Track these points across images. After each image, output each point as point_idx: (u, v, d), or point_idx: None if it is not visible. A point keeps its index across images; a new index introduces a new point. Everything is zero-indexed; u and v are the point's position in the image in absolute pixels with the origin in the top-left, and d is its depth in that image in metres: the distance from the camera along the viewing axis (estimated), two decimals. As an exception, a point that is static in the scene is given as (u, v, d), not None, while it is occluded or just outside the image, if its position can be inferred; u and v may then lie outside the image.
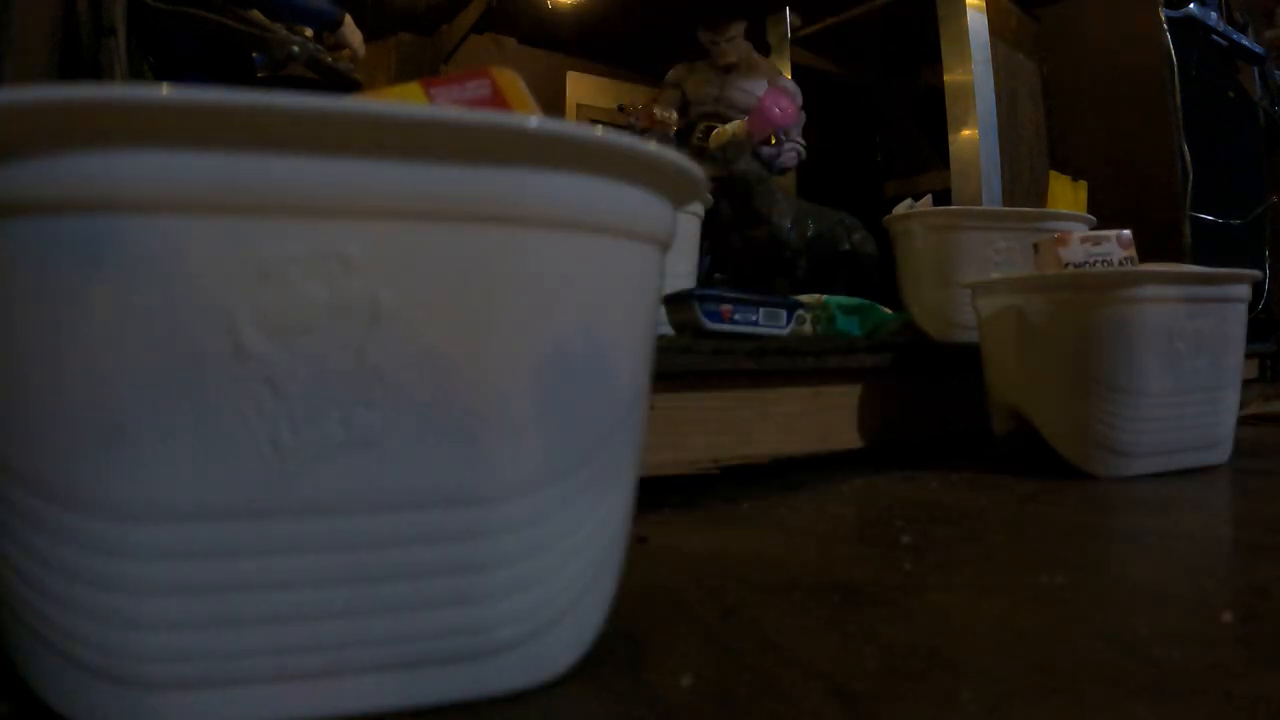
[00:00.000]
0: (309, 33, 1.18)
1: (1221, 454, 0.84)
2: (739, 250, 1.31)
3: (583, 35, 2.26)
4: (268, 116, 0.25)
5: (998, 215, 1.16)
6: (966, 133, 1.61)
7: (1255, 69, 1.96)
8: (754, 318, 0.90)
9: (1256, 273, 0.87)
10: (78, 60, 0.83)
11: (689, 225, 0.97)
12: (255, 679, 0.28)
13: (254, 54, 1.13)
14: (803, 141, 1.55)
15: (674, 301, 0.88)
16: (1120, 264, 0.84)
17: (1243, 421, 1.06)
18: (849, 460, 0.90)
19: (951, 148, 1.64)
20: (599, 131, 0.29)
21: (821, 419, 0.90)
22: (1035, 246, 0.91)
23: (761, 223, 1.23)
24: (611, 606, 0.36)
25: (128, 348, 0.25)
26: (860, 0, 1.90)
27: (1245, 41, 1.84)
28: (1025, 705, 0.30)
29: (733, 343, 0.82)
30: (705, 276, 1.34)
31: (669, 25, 1.75)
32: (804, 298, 1.09)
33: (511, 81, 0.37)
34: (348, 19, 1.26)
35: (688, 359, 0.76)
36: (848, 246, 1.29)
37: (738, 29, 1.63)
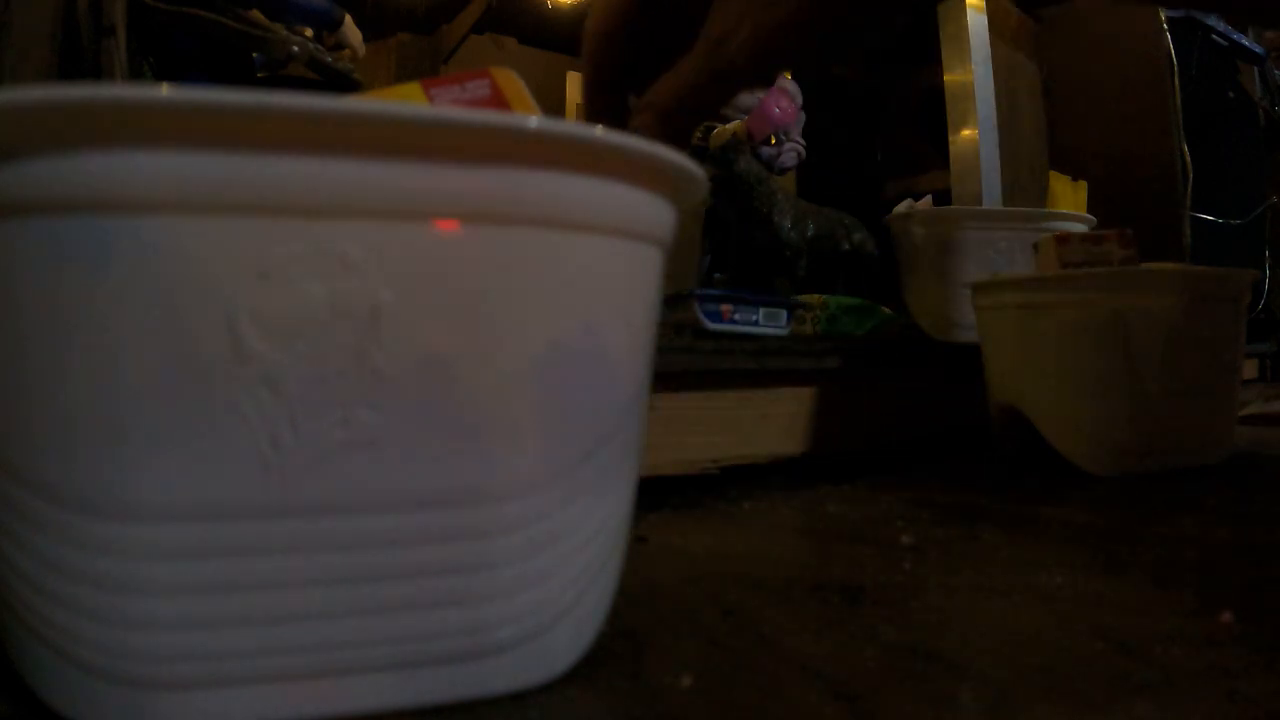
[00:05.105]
0: (309, 33, 1.18)
1: (1221, 454, 0.84)
2: (739, 250, 1.31)
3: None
4: (268, 116, 0.25)
5: (998, 215, 1.16)
6: (966, 133, 1.61)
7: (1255, 69, 1.96)
8: (754, 318, 0.91)
9: (1256, 272, 0.87)
10: (78, 60, 0.83)
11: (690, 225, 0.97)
12: (255, 679, 0.28)
13: (254, 54, 1.13)
14: (803, 141, 1.54)
15: (674, 301, 0.88)
16: (1120, 264, 0.84)
17: (1243, 421, 1.06)
18: (849, 460, 0.90)
19: (951, 148, 1.64)
20: (599, 131, 0.29)
21: (821, 419, 0.90)
22: (1035, 246, 0.91)
23: (761, 223, 1.23)
24: (611, 606, 0.36)
25: (128, 347, 0.25)
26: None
27: (1245, 41, 1.84)
28: (1025, 705, 0.30)
29: (733, 343, 0.82)
30: (705, 276, 1.34)
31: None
32: (804, 298, 1.09)
33: (511, 81, 0.37)
34: (348, 19, 1.26)
35: (688, 359, 0.75)
36: (848, 247, 1.29)
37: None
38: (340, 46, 1.25)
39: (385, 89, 0.37)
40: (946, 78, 1.65)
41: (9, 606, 0.28)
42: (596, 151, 0.30)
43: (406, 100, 0.35)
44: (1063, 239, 0.86)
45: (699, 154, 1.38)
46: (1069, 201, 1.15)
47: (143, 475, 0.26)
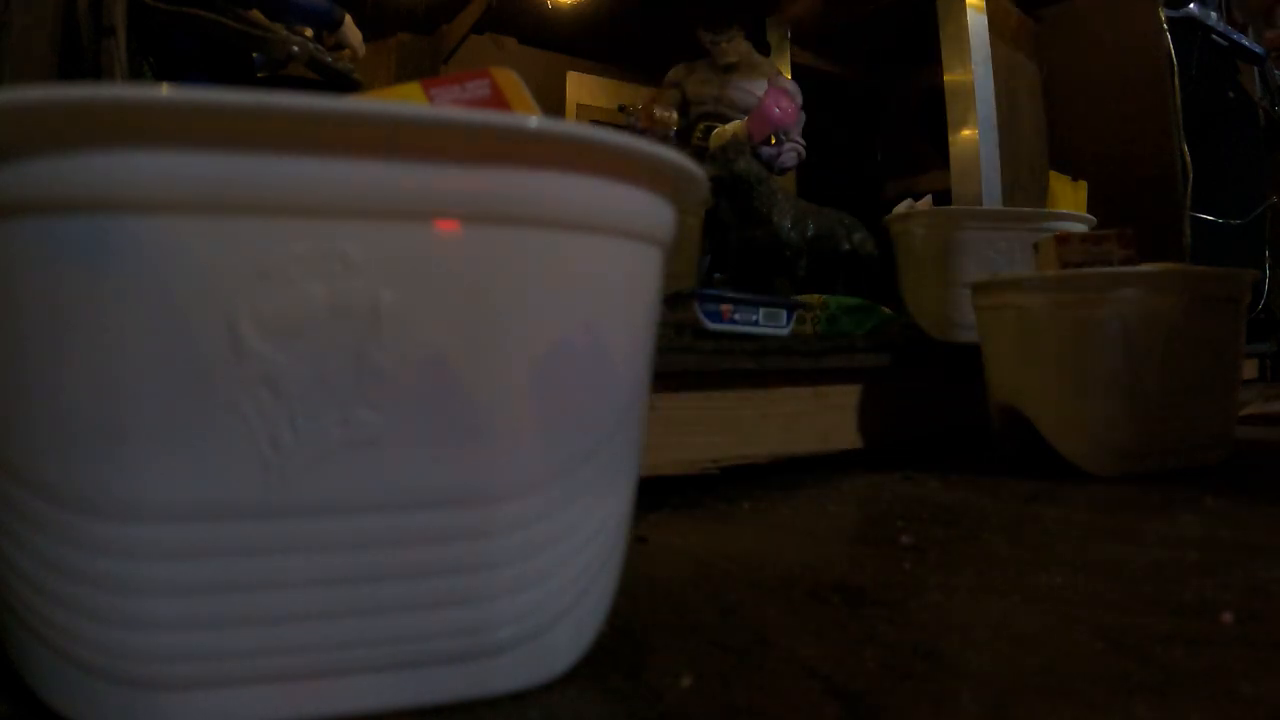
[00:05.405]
0: (309, 33, 1.18)
1: (1221, 454, 0.84)
2: (739, 250, 1.31)
3: (583, 35, 2.26)
4: (268, 116, 0.25)
5: (998, 215, 1.16)
6: (966, 133, 1.61)
7: (1255, 69, 1.96)
8: (754, 318, 0.91)
9: (1256, 272, 0.87)
10: (78, 60, 0.83)
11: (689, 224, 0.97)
12: (255, 679, 0.28)
13: (254, 54, 1.13)
14: (803, 141, 1.55)
15: (674, 301, 0.88)
16: (1120, 264, 0.84)
17: (1243, 421, 1.06)
18: (849, 460, 0.90)
19: (951, 148, 1.64)
20: (599, 131, 0.29)
21: (821, 419, 0.90)
22: (1035, 246, 0.91)
23: (761, 223, 1.23)
24: (611, 606, 0.36)
25: (128, 347, 0.25)
26: (860, 0, 1.90)
27: (1245, 41, 1.84)
28: (1025, 705, 0.30)
29: (733, 343, 0.82)
30: (705, 276, 1.34)
31: (669, 25, 1.75)
32: (804, 298, 1.09)
33: (511, 81, 0.37)
34: (348, 19, 1.25)
35: (688, 359, 0.76)
36: (848, 247, 1.29)
37: (737, 29, 1.63)
38: (340, 46, 1.25)
39: (385, 89, 0.37)
40: (946, 78, 1.65)
41: (9, 606, 0.28)
42: (596, 152, 0.30)
43: (406, 100, 0.35)
44: (1063, 239, 0.87)
45: (699, 154, 1.38)
46: (1069, 201, 1.15)
47: (143, 475, 0.26)
